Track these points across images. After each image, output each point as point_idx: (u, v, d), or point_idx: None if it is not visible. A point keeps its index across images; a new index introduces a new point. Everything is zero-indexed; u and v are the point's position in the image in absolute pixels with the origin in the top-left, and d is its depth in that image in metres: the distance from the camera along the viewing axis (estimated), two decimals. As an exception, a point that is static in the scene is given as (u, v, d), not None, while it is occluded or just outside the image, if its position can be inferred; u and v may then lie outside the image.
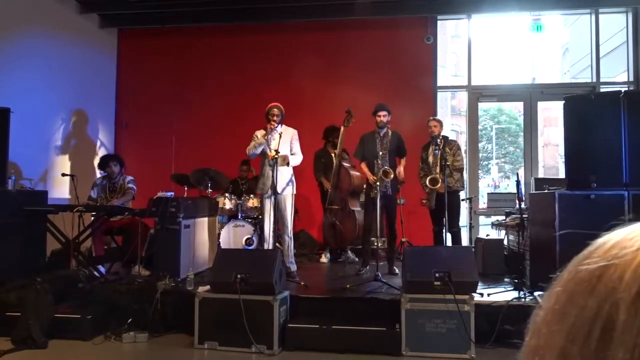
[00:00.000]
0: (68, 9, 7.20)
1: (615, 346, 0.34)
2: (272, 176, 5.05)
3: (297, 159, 5.29)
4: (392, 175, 5.16)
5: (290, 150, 5.30)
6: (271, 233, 5.18)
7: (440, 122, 5.70)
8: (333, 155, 6.30)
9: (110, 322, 4.42)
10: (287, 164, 5.19)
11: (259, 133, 5.30)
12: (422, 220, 6.03)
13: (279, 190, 5.12)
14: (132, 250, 5.32)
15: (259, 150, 5.26)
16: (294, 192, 5.35)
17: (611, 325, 0.34)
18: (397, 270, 5.34)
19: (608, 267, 0.37)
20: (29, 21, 6.42)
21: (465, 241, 6.58)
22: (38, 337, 3.99)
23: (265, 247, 5.25)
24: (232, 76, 8.08)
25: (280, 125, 5.25)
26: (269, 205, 5.20)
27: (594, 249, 0.41)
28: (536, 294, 4.25)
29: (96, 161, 7.61)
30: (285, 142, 5.26)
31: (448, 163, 5.35)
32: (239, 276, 4.00)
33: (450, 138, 5.79)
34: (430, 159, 5.58)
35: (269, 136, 5.19)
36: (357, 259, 6.43)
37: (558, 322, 0.38)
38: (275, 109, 5.21)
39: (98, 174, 6.61)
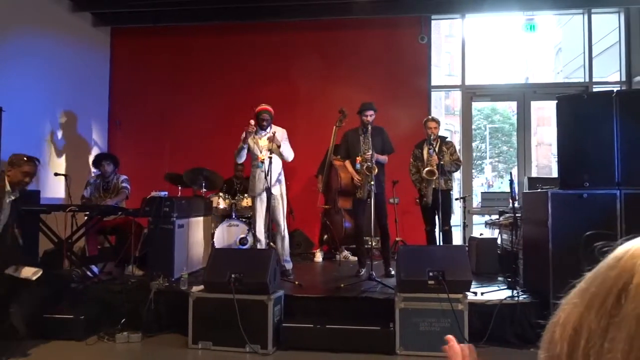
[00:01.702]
0: (60, 7, 7.15)
1: (627, 303, 0.40)
2: (265, 178, 5.06)
3: (287, 150, 5.27)
4: (375, 171, 5.01)
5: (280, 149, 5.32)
6: (263, 233, 5.19)
7: (438, 122, 5.62)
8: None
9: (104, 322, 4.40)
10: (278, 146, 5.16)
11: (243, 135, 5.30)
12: (417, 219, 6.03)
13: (273, 191, 5.17)
14: (125, 249, 5.30)
15: (243, 156, 5.32)
16: (284, 190, 5.38)
17: (626, 289, 0.41)
18: (393, 272, 5.17)
19: (631, 249, 0.44)
20: (20, 20, 6.37)
21: (459, 240, 6.60)
22: (19, 325, 3.78)
23: (258, 247, 5.25)
24: (227, 75, 8.05)
25: (270, 127, 5.29)
26: (260, 206, 5.22)
27: (621, 245, 0.47)
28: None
29: (89, 160, 7.59)
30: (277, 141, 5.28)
31: (442, 162, 5.32)
32: (233, 276, 4.00)
33: (447, 139, 5.73)
34: (425, 157, 5.50)
35: (247, 141, 5.22)
36: (352, 258, 6.43)
37: (580, 296, 0.44)
38: (265, 114, 5.26)
39: (92, 172, 6.58)
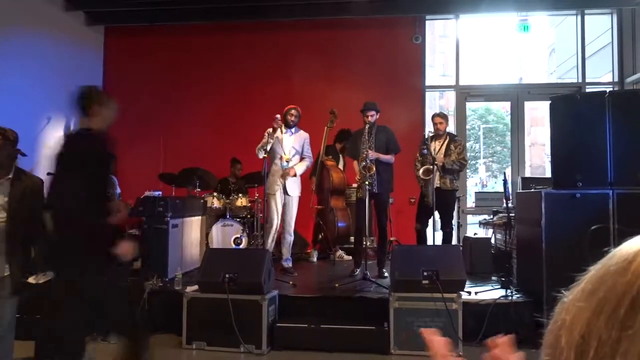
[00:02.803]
0: (53, 6, 7.11)
1: None
2: (284, 178, 5.35)
3: (305, 165, 5.56)
4: (373, 170, 5.00)
5: (302, 152, 5.54)
6: (274, 231, 5.37)
7: (443, 117, 5.48)
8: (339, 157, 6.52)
9: (97, 322, 4.37)
10: (294, 175, 5.45)
11: (270, 130, 5.36)
12: (411, 219, 6.03)
13: (289, 192, 5.39)
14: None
15: (264, 152, 5.36)
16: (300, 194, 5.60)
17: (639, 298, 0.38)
18: (386, 274, 5.14)
19: None
20: (13, 18, 6.33)
21: (453, 240, 6.60)
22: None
23: (270, 244, 5.36)
24: (221, 75, 8.03)
25: (294, 128, 5.50)
26: (277, 205, 5.39)
27: (625, 243, 0.44)
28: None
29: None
30: (298, 145, 5.48)
31: (437, 162, 5.26)
32: (227, 276, 3.99)
33: (457, 137, 5.61)
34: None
35: (274, 136, 5.34)
36: (346, 257, 6.42)
37: (587, 299, 0.42)
38: (293, 110, 5.46)
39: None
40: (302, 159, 5.56)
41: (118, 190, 6.17)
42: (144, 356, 2.69)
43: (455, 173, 5.45)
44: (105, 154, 2.76)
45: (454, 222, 6.74)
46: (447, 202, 5.35)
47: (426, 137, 5.45)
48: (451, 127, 8.30)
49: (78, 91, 2.86)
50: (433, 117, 5.56)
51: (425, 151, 5.32)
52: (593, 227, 3.70)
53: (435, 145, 5.44)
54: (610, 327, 0.38)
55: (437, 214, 5.51)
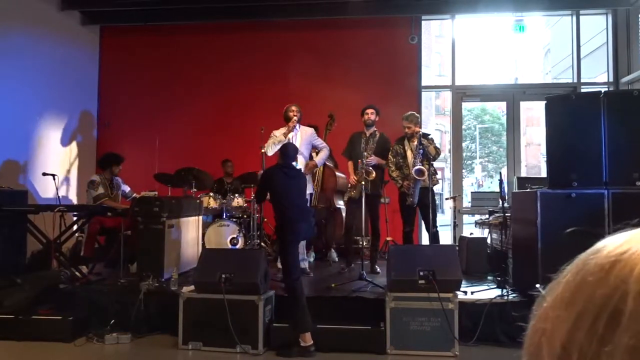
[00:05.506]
0: (49, 5, 7.08)
1: (621, 332, 0.37)
2: None
3: (325, 154, 5.41)
4: (373, 175, 5.10)
5: (315, 148, 5.43)
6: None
7: (413, 122, 5.22)
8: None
9: (93, 323, 4.36)
10: (315, 166, 5.38)
11: (278, 132, 5.28)
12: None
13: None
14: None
15: (277, 148, 5.23)
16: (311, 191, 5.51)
17: (618, 314, 0.37)
18: (378, 269, 5.35)
19: (618, 262, 0.40)
20: (8, 18, 6.29)
21: (449, 240, 6.62)
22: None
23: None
24: (217, 75, 8.02)
25: (298, 125, 5.33)
26: None
27: (602, 246, 0.43)
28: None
29: (76, 160, 7.52)
30: (305, 142, 5.33)
31: (433, 155, 5.19)
32: (223, 276, 3.98)
33: (430, 136, 5.47)
34: (409, 153, 5.28)
35: (292, 134, 5.23)
36: (337, 259, 6.39)
37: (565, 309, 0.41)
38: (293, 107, 5.31)
39: (86, 173, 6.58)
40: (317, 152, 5.44)
41: (127, 189, 6.24)
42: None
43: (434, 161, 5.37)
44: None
45: (450, 221, 6.77)
46: (429, 200, 5.19)
47: (414, 136, 5.29)
48: (447, 127, 8.31)
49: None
50: (402, 120, 5.32)
51: (421, 150, 5.24)
52: (568, 230, 3.68)
53: (410, 145, 5.31)
54: (590, 340, 0.38)
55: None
